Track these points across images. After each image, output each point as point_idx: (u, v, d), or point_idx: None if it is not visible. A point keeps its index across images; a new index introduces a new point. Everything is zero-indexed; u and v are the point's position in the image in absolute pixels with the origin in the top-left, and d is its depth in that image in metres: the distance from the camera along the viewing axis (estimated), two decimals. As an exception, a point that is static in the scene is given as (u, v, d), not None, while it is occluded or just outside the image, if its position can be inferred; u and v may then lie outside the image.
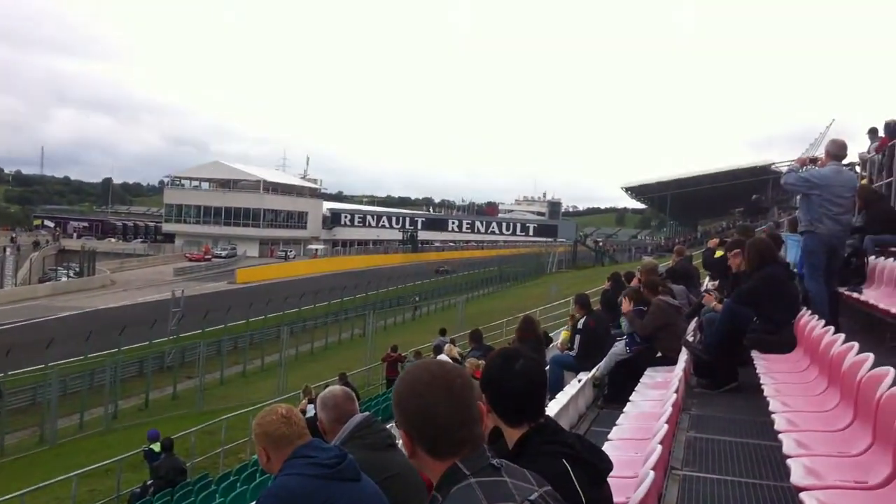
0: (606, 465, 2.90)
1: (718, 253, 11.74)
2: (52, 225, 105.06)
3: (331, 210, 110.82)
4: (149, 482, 15.95)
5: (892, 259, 8.61)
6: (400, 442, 6.57)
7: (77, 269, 71.64)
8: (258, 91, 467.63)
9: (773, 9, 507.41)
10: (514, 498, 1.98)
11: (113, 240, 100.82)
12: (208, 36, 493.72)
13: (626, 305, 9.73)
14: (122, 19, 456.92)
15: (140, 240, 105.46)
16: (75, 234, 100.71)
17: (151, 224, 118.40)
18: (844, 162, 9.35)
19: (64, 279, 69.00)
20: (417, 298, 56.42)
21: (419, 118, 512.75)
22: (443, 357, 16.39)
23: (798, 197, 9.92)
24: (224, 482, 15.21)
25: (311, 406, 16.61)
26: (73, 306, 53.10)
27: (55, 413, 27.22)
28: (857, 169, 15.53)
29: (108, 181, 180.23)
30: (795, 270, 9.46)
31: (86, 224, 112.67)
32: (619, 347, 9.52)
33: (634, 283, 11.53)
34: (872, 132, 15.81)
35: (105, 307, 52.15)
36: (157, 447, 16.46)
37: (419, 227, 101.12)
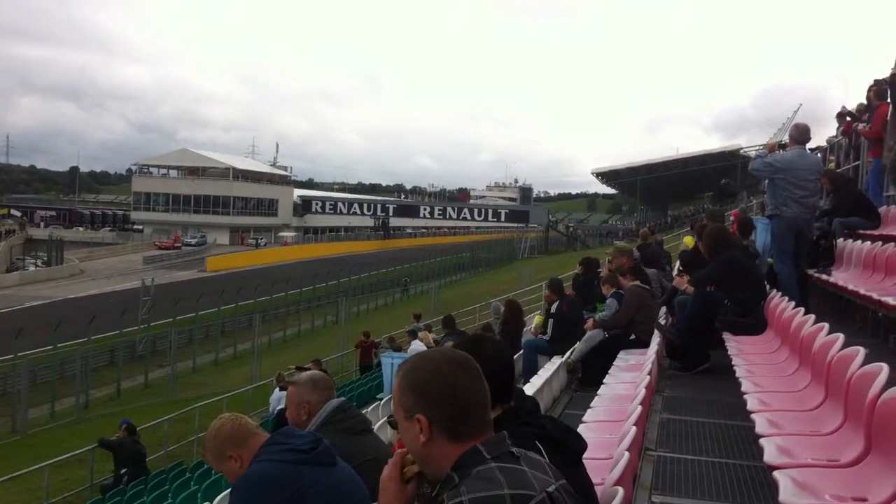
0: (580, 444, 2.90)
1: (689, 241, 11.93)
2: (18, 214, 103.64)
3: (301, 197, 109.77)
4: (122, 472, 15.83)
5: (859, 241, 8.72)
6: (376, 426, 6.50)
7: (45, 259, 71.00)
8: (225, 77, 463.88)
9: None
10: (533, 487, 1.93)
11: (81, 229, 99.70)
12: (173, 21, 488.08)
13: (606, 290, 10.14)
14: (85, 4, 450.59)
15: (108, 228, 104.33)
16: (42, 224, 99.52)
17: (119, 212, 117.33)
18: (809, 146, 9.46)
19: (32, 269, 68.23)
20: (407, 280, 56.85)
21: (388, 104, 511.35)
22: (417, 342, 16.45)
23: (766, 181, 10.04)
24: (198, 470, 15.13)
25: (282, 393, 16.46)
26: (41, 296, 52.48)
27: (25, 403, 26.97)
28: (827, 153, 15.70)
29: (74, 169, 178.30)
30: (765, 254, 9.57)
31: (53, 213, 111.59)
32: (595, 333, 9.56)
33: (606, 269, 11.68)
34: (841, 116, 15.94)
35: (74, 296, 51.49)
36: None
37: (391, 213, 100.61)
